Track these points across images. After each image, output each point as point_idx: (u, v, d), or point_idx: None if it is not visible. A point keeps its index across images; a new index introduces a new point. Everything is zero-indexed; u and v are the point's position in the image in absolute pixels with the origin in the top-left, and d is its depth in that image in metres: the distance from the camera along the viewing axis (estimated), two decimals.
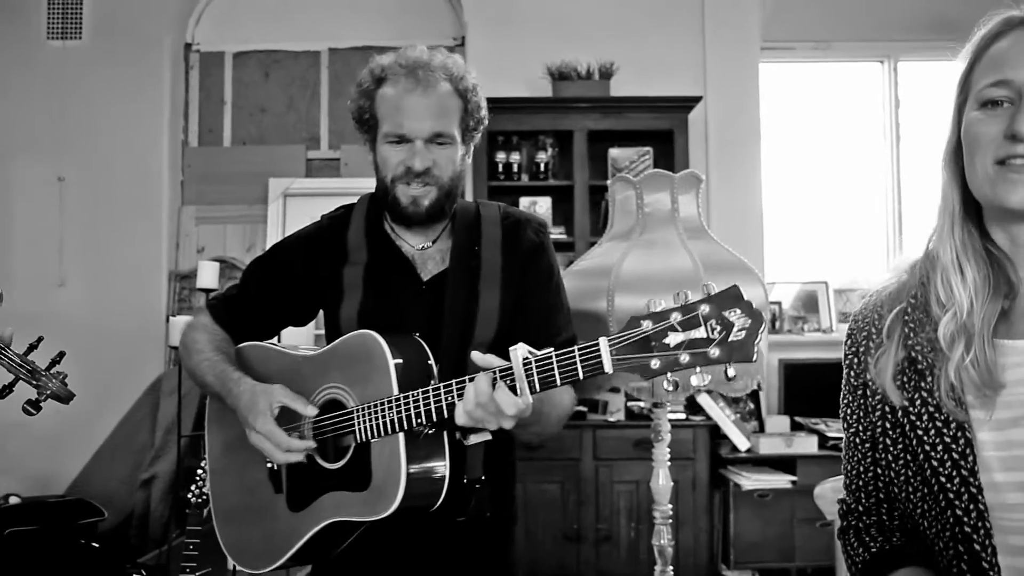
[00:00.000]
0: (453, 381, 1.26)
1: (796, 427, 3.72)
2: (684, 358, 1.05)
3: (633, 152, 3.86)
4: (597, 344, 1.10)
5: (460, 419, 1.22)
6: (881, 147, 4.41)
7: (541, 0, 4.07)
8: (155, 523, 3.84)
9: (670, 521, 1.90)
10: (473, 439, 1.37)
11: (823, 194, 4.42)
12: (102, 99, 4.21)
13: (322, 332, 1.62)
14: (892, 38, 4.36)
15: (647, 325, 1.07)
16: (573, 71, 3.83)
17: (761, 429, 3.74)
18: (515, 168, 3.87)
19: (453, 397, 1.25)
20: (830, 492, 2.07)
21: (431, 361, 1.38)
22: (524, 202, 3.87)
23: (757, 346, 1.02)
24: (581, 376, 1.13)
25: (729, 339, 1.02)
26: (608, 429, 3.50)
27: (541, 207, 3.87)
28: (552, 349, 1.17)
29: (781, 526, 3.44)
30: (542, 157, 3.87)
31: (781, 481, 3.45)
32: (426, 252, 1.54)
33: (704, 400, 3.49)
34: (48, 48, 4.26)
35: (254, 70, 4.42)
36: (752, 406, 3.79)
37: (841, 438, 1.18)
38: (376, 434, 1.33)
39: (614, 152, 3.86)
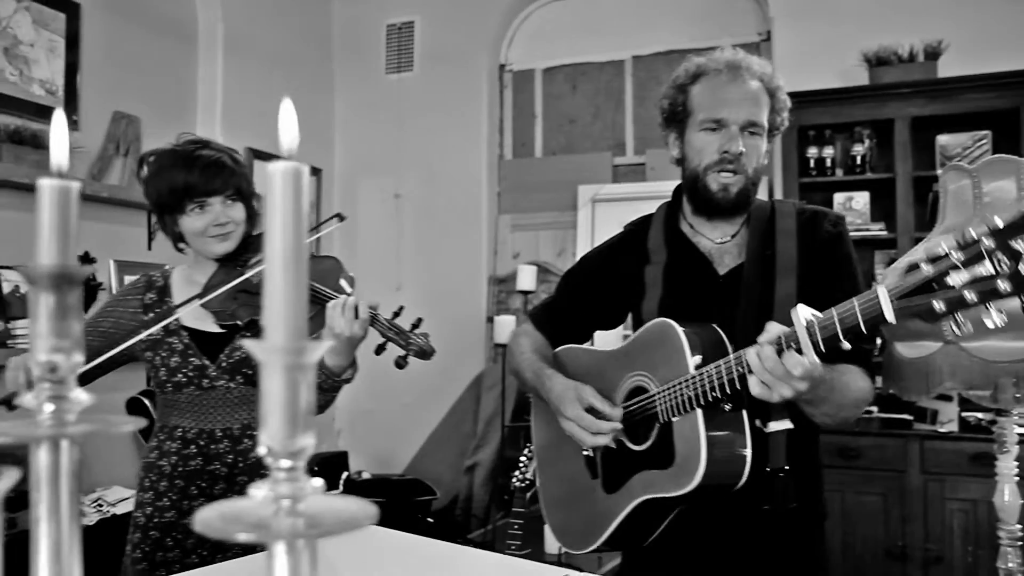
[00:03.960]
0: (742, 351, 1.29)
1: None
2: (970, 296, 1.00)
3: (967, 137, 3.48)
4: (875, 293, 1.09)
5: (754, 389, 1.25)
6: None
7: None
8: (478, 505, 4.20)
9: (1020, 543, 1.70)
10: (773, 426, 1.41)
11: None
12: (430, 122, 4.71)
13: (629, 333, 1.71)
14: None
15: (927, 269, 1.04)
16: (893, 55, 3.55)
17: None
18: (828, 163, 3.67)
19: (744, 367, 1.27)
20: None
21: (727, 343, 1.42)
22: (839, 198, 3.67)
23: None
24: (862, 327, 1.11)
25: (1020, 268, 0.96)
26: (938, 440, 3.19)
27: (858, 202, 3.64)
28: (833, 309, 1.17)
29: None
30: (858, 149, 3.64)
31: None
32: (723, 247, 1.59)
33: None
34: (386, 82, 4.85)
35: (562, 84, 4.66)
36: None
37: None
38: (676, 412, 1.40)
39: (943, 139, 3.52)
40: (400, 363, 1.65)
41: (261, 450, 0.39)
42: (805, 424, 1.45)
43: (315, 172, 4.72)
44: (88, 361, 1.68)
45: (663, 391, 1.43)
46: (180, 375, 1.76)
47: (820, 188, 3.72)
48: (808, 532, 1.56)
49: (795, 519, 1.50)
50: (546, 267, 4.38)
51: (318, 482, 0.40)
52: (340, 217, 1.77)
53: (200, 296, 1.69)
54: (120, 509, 3.06)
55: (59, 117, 0.41)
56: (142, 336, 1.69)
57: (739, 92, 1.50)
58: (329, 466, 3.98)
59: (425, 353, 1.66)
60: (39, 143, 3.18)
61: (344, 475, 3.78)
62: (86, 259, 3.37)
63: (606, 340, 2.74)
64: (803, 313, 1.18)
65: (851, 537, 3.23)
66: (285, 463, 0.39)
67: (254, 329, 1.79)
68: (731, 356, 1.31)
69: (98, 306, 3.39)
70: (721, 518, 1.48)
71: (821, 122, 3.63)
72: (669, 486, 1.41)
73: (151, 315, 1.80)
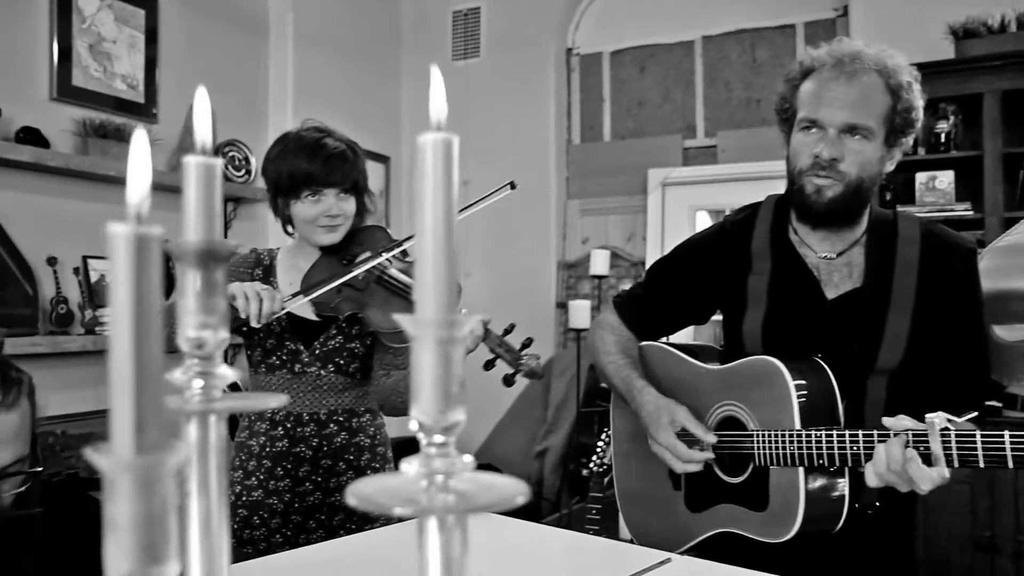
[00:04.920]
0: (860, 433, 1.25)
1: None
2: None
3: None
4: None
5: (871, 481, 1.21)
6: None
7: None
8: (548, 490, 4.20)
9: None
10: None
11: None
12: (497, 108, 4.70)
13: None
14: None
15: None
16: (982, 25, 3.39)
17: None
18: (911, 141, 3.54)
19: (859, 448, 1.23)
20: None
21: (836, 393, 1.36)
22: (921, 177, 3.54)
23: None
24: (1011, 465, 1.07)
25: None
26: None
27: (942, 182, 3.50)
28: (973, 419, 1.13)
29: None
30: (942, 127, 3.50)
31: None
32: (832, 263, 1.48)
33: None
34: (453, 68, 4.85)
35: (630, 66, 4.60)
36: None
37: None
38: (775, 463, 1.34)
39: None
40: (508, 380, 1.63)
41: (412, 425, 0.39)
42: None
43: (383, 160, 4.76)
44: None
45: (764, 436, 1.37)
46: (274, 357, 1.80)
47: (901, 168, 3.55)
48: (895, 553, 1.49)
49: (881, 545, 1.45)
50: (616, 252, 4.34)
51: (468, 458, 0.39)
52: (512, 185, 1.74)
53: (306, 292, 1.70)
54: None
55: (202, 94, 0.41)
56: (258, 326, 1.71)
57: (842, 90, 1.37)
58: (404, 451, 4.03)
59: (536, 374, 1.62)
60: (122, 136, 3.28)
61: None
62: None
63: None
64: (939, 423, 1.13)
65: (934, 527, 3.13)
66: (438, 438, 0.38)
67: (353, 323, 1.82)
68: (846, 433, 1.26)
69: None
70: (802, 546, 1.41)
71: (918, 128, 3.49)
72: (760, 531, 1.37)
73: None
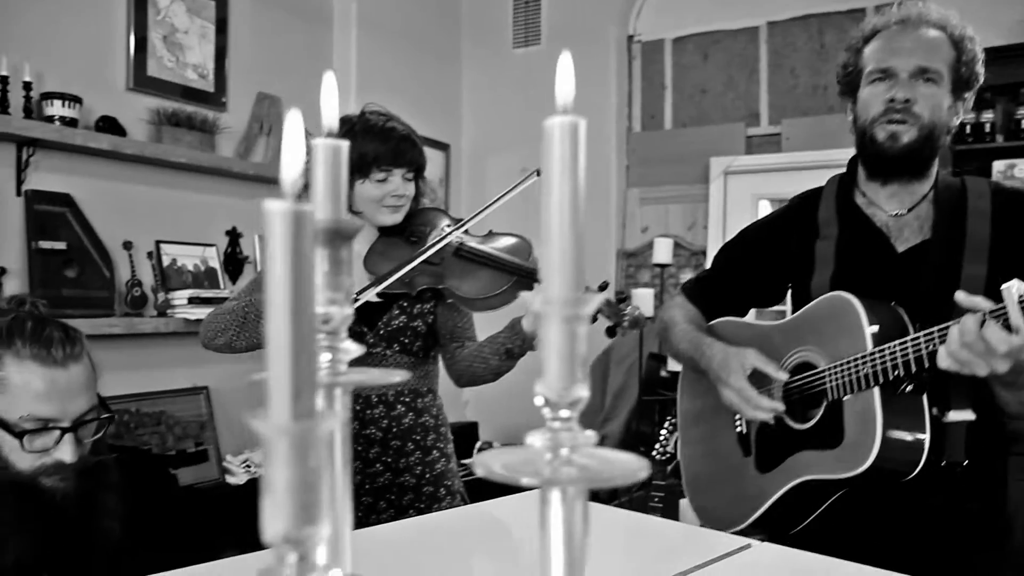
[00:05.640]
0: (935, 328, 1.20)
1: None
2: None
3: None
4: None
5: (943, 362, 1.17)
6: None
7: None
8: None
9: None
10: (953, 416, 1.30)
11: None
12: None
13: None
14: None
15: None
16: None
17: None
18: (987, 128, 3.44)
19: (935, 345, 1.19)
20: None
21: (908, 324, 1.32)
22: (999, 166, 3.43)
23: None
24: None
25: None
26: None
27: (1022, 170, 3.39)
28: None
29: None
30: (1022, 112, 3.38)
31: None
32: (901, 220, 1.47)
33: None
34: (513, 56, 4.86)
35: (692, 53, 4.54)
36: None
37: None
38: (849, 390, 1.33)
39: None
40: (611, 332, 1.67)
41: (538, 400, 0.40)
42: (990, 417, 1.34)
43: (443, 147, 4.79)
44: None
45: (835, 367, 1.35)
46: None
47: (977, 156, 3.49)
48: (989, 539, 1.42)
49: (974, 521, 1.38)
50: (677, 240, 4.31)
51: (591, 433, 0.40)
52: (538, 172, 1.79)
53: (381, 279, 1.71)
54: None
55: (329, 79, 0.42)
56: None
57: (911, 39, 1.40)
58: (461, 436, 4.07)
59: (639, 322, 1.65)
60: (193, 124, 3.37)
61: (477, 445, 3.86)
62: (234, 234, 3.56)
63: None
64: (1016, 289, 1.09)
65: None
66: (563, 413, 0.39)
67: (417, 301, 1.84)
68: (920, 333, 1.23)
69: (248, 276, 3.57)
70: (883, 509, 1.38)
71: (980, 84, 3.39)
72: (835, 467, 1.33)
73: None
